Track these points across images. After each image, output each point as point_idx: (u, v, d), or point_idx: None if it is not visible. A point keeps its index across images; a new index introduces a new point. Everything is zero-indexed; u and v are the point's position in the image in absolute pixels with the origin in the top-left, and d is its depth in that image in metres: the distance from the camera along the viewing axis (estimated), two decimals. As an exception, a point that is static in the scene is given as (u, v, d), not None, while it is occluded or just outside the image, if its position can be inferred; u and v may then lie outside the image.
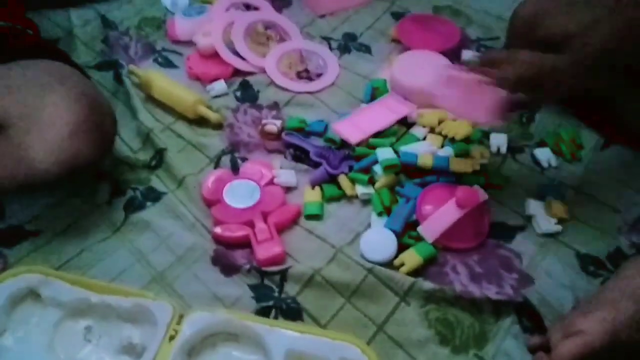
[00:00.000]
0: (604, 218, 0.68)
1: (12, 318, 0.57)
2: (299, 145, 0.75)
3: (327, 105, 0.82)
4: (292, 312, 0.60)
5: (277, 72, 0.86)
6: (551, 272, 0.62)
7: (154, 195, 0.72)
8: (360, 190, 0.69)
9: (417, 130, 0.76)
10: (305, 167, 0.74)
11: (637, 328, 0.51)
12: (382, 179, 0.69)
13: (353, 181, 0.71)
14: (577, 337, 0.50)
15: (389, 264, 0.63)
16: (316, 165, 0.73)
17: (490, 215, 0.68)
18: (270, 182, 0.71)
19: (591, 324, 0.51)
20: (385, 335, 0.58)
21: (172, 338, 0.54)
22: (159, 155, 0.75)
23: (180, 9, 0.96)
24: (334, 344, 0.54)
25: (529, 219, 0.68)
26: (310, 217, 0.68)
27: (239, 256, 0.65)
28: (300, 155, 0.75)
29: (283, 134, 0.76)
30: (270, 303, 0.60)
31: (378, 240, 0.64)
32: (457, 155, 0.72)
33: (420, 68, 0.81)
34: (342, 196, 0.70)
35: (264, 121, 0.78)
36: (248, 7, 0.96)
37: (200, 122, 0.80)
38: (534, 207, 0.68)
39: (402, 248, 0.64)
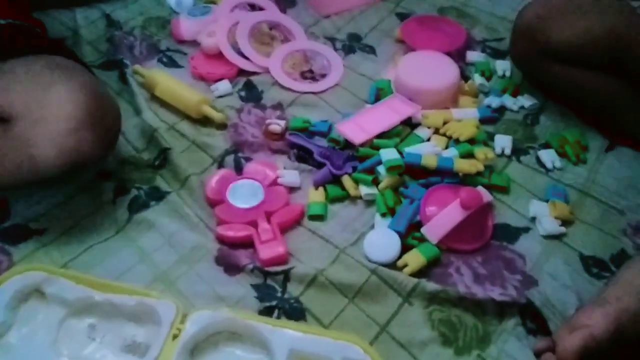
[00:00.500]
0: (608, 220, 0.67)
1: (17, 315, 0.57)
2: (303, 145, 0.75)
3: (331, 106, 0.82)
4: (295, 312, 0.60)
5: (281, 72, 0.87)
6: (555, 273, 0.62)
7: (158, 195, 0.72)
8: (364, 190, 0.69)
9: (421, 131, 0.76)
10: (309, 167, 0.74)
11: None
12: (386, 180, 0.69)
13: (357, 182, 0.71)
14: (581, 331, 0.50)
15: (392, 265, 0.63)
16: (320, 165, 0.73)
17: (494, 217, 0.68)
18: (274, 182, 0.71)
19: (595, 319, 0.51)
20: (389, 336, 0.58)
21: (175, 337, 0.54)
22: (163, 154, 0.76)
23: (185, 8, 0.96)
24: (337, 344, 0.54)
25: (533, 220, 0.68)
26: (313, 217, 0.68)
27: (243, 256, 0.65)
28: (304, 156, 0.75)
29: (287, 134, 0.76)
30: (274, 303, 0.60)
31: (382, 241, 0.64)
32: (461, 156, 0.72)
33: (425, 69, 0.81)
34: (345, 197, 0.70)
35: (267, 121, 0.78)
36: (253, 7, 0.96)
37: (205, 122, 0.80)
38: (538, 208, 0.68)
39: (405, 249, 0.64)
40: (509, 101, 0.81)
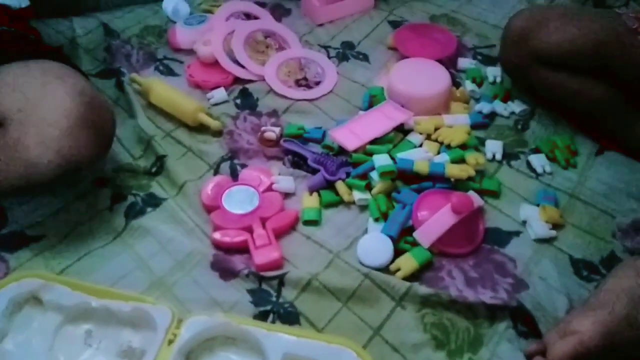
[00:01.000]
0: (597, 223, 0.68)
1: (13, 322, 0.58)
2: (297, 151, 0.76)
3: (325, 113, 0.84)
4: (290, 317, 0.60)
5: (276, 80, 0.88)
6: (545, 277, 0.63)
7: (155, 201, 0.73)
8: (357, 196, 0.70)
9: (413, 137, 0.77)
10: (303, 173, 0.75)
11: (630, 328, 0.51)
12: (378, 185, 0.70)
13: (350, 187, 0.71)
14: (572, 337, 0.51)
15: (385, 269, 0.64)
16: (314, 171, 0.74)
17: (485, 221, 0.69)
18: (269, 188, 0.72)
19: (585, 324, 0.51)
20: (382, 340, 0.59)
21: (171, 342, 0.55)
22: (160, 161, 0.76)
23: (181, 18, 0.98)
24: (331, 348, 0.54)
25: (523, 224, 0.69)
26: (308, 222, 0.69)
27: (238, 261, 0.65)
28: (298, 162, 0.76)
29: (282, 141, 0.77)
30: (268, 307, 0.61)
31: (375, 246, 0.65)
32: (452, 161, 0.73)
33: (417, 76, 0.82)
34: (339, 202, 0.71)
35: (263, 128, 0.79)
36: (248, 16, 0.98)
37: (201, 129, 0.81)
38: (529, 212, 0.69)
39: (398, 253, 0.64)
40: (499, 107, 0.82)
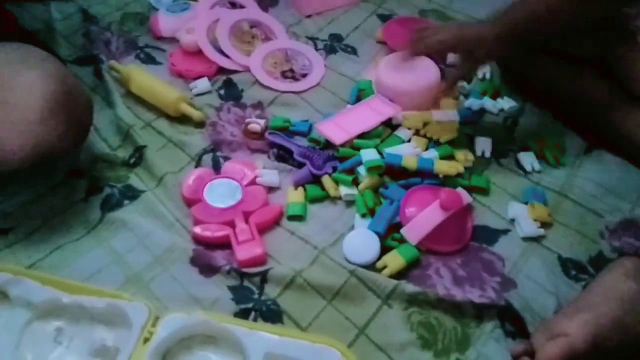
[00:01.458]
0: (586, 222, 0.68)
1: (-22, 319, 0.55)
2: (283, 145, 0.74)
3: (312, 106, 0.82)
4: (272, 315, 0.58)
5: (261, 71, 0.85)
6: (534, 275, 0.62)
7: (132, 194, 0.70)
8: (343, 191, 0.69)
9: (401, 132, 0.76)
10: (288, 167, 0.73)
11: (618, 330, 0.51)
12: (366, 180, 0.68)
13: (337, 182, 0.70)
14: (560, 339, 0.50)
15: (371, 267, 0.62)
16: (300, 165, 0.72)
17: (473, 218, 0.67)
18: (253, 182, 0.70)
19: (574, 326, 0.51)
20: (367, 339, 0.57)
21: (146, 340, 0.52)
22: (139, 152, 0.74)
23: (164, 5, 0.95)
24: (314, 347, 0.53)
25: (512, 222, 0.68)
26: (292, 217, 0.67)
27: (219, 257, 0.63)
28: (283, 155, 0.74)
29: (267, 134, 0.75)
30: (250, 305, 0.59)
31: (361, 242, 0.63)
32: (441, 157, 0.71)
33: (406, 70, 0.80)
34: (325, 197, 0.70)
35: (247, 120, 0.77)
36: (234, 5, 0.95)
37: (182, 119, 0.79)
38: (517, 210, 0.68)
39: (385, 250, 0.63)
40: (488, 104, 0.81)
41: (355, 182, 0.69)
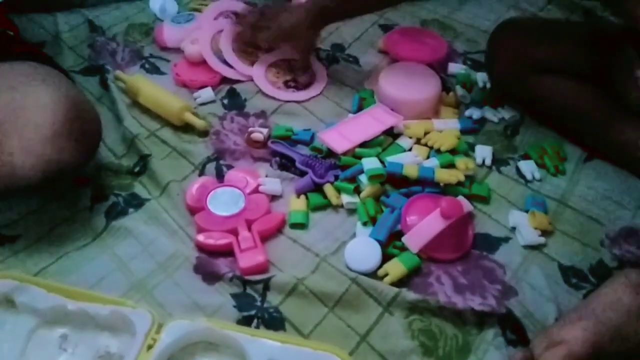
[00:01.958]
0: (586, 231, 0.68)
1: (-16, 325, 0.55)
2: (285, 153, 0.75)
3: (314, 115, 0.82)
4: (275, 322, 0.59)
5: (264, 80, 0.86)
6: (534, 284, 0.62)
7: (137, 202, 0.71)
8: (345, 199, 0.69)
9: (403, 141, 0.77)
10: (291, 175, 0.73)
11: (619, 339, 0.51)
12: (367, 189, 0.69)
13: (339, 190, 0.70)
14: (560, 347, 0.50)
15: (373, 274, 0.63)
16: (302, 174, 0.73)
17: (474, 226, 0.68)
18: (256, 190, 0.71)
19: (573, 334, 0.51)
20: (368, 346, 0.58)
21: (150, 347, 0.53)
22: (143, 161, 0.75)
23: (169, 16, 0.96)
24: (316, 354, 0.53)
25: (512, 230, 0.68)
26: (295, 225, 0.68)
27: (222, 264, 0.64)
28: (286, 164, 0.75)
29: (269, 142, 0.76)
30: (253, 312, 0.59)
31: (362, 250, 0.64)
32: (442, 166, 0.72)
33: (408, 80, 0.81)
34: (327, 205, 0.70)
35: (250, 129, 0.77)
36: (237, 15, 0.96)
37: (186, 129, 0.79)
38: (518, 218, 0.68)
39: (386, 258, 0.63)
40: (489, 113, 0.82)
41: (357, 191, 0.70)
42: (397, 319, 0.59)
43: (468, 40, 0.96)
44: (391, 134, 0.78)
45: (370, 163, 0.70)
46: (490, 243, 0.67)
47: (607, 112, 0.74)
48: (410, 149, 0.76)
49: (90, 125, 0.64)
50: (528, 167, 0.74)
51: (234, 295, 0.61)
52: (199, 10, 0.98)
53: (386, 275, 0.62)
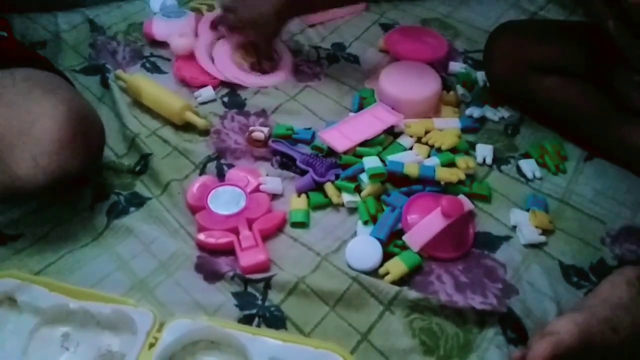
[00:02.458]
0: (587, 229, 0.68)
1: (-14, 324, 0.56)
2: (286, 152, 0.75)
3: (315, 114, 0.83)
4: (276, 321, 0.59)
5: (230, 64, 0.86)
6: (535, 282, 0.63)
7: (138, 201, 0.71)
8: (346, 198, 0.69)
9: (403, 140, 0.77)
10: (291, 174, 0.73)
11: (611, 331, 0.51)
12: (368, 188, 0.69)
13: (339, 189, 0.70)
14: (550, 337, 0.50)
15: (374, 273, 0.63)
16: (303, 172, 0.73)
17: (475, 225, 0.68)
18: (256, 189, 0.71)
19: (564, 324, 0.51)
20: (369, 345, 0.58)
21: (151, 346, 0.53)
22: (144, 160, 0.75)
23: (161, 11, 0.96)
24: (317, 352, 0.53)
25: (513, 229, 0.68)
26: (295, 224, 0.68)
27: (223, 263, 0.64)
28: (287, 163, 0.75)
29: (270, 141, 0.76)
30: (254, 311, 0.60)
31: (363, 249, 0.64)
32: (443, 165, 0.72)
33: (408, 79, 0.81)
34: (328, 204, 0.70)
35: (251, 128, 0.78)
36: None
37: (187, 128, 0.80)
38: (519, 217, 0.68)
39: (387, 257, 0.63)
40: (490, 111, 0.82)
41: (358, 190, 0.70)
42: (398, 317, 0.59)
43: (468, 39, 0.96)
44: (392, 132, 0.78)
45: (371, 162, 0.70)
46: (491, 242, 0.67)
47: (607, 113, 0.74)
48: (411, 148, 0.76)
49: (93, 132, 0.64)
50: (529, 166, 0.74)
51: (235, 294, 0.61)
52: (199, 10, 0.98)
53: (387, 274, 0.62)
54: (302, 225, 0.68)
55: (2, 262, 0.63)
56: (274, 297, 0.61)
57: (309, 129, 0.79)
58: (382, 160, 0.71)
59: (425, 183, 0.70)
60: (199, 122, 0.78)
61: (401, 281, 0.62)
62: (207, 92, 0.84)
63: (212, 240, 0.65)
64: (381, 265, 0.63)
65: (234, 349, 0.55)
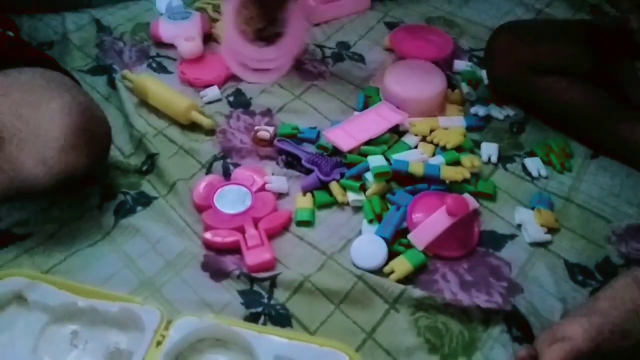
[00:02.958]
0: (593, 228, 0.68)
1: (-3, 322, 0.56)
2: (291, 151, 0.75)
3: (320, 113, 0.83)
4: (281, 319, 0.59)
5: (233, 31, 0.76)
6: (540, 281, 0.63)
7: (145, 200, 0.71)
8: (351, 197, 0.70)
9: (408, 139, 0.77)
10: (297, 173, 0.74)
11: (622, 337, 0.51)
12: (373, 186, 0.69)
13: (344, 188, 0.71)
14: (563, 343, 0.50)
15: (379, 271, 0.63)
16: (308, 171, 0.73)
17: (480, 224, 0.68)
18: (262, 188, 0.71)
19: (577, 330, 0.51)
20: (375, 343, 0.58)
21: (159, 343, 0.53)
22: (151, 160, 0.75)
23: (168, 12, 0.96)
24: (323, 350, 0.53)
25: (518, 227, 0.68)
26: (301, 223, 0.68)
27: (229, 262, 0.64)
28: (292, 162, 0.75)
29: (275, 141, 0.77)
30: (260, 309, 0.60)
31: (368, 248, 0.64)
32: (448, 163, 0.72)
33: (413, 77, 0.81)
34: (333, 203, 0.71)
35: (256, 127, 0.78)
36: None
37: (193, 127, 0.80)
38: (524, 216, 0.68)
39: (392, 255, 0.64)
40: (495, 110, 0.82)
41: (363, 188, 0.70)
42: (403, 316, 0.60)
43: (474, 37, 0.96)
44: (397, 131, 0.78)
45: (376, 161, 0.70)
46: (496, 240, 0.67)
47: (610, 111, 0.74)
48: (416, 147, 0.76)
49: (100, 132, 0.65)
50: (534, 164, 0.74)
51: (241, 293, 0.62)
52: (205, 10, 0.98)
53: (392, 272, 0.62)
54: (308, 224, 0.68)
55: (12, 261, 0.64)
56: (280, 295, 0.61)
57: (314, 128, 0.79)
58: (387, 159, 0.72)
59: (430, 182, 0.70)
60: (205, 121, 0.79)
61: (406, 280, 0.62)
62: (213, 92, 0.85)
63: (218, 239, 0.65)
64: (386, 263, 0.63)
65: (240, 346, 0.55)
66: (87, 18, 0.97)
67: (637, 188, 0.72)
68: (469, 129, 0.79)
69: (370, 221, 0.67)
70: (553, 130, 0.80)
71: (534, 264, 0.64)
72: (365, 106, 0.81)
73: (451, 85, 0.85)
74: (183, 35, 0.89)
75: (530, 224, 0.67)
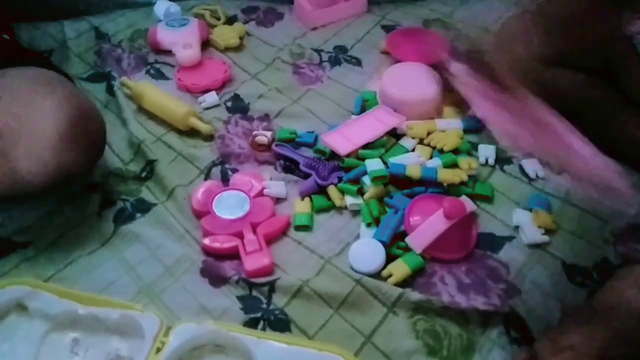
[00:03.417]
0: (590, 228, 0.68)
1: (-2, 330, 0.57)
2: (289, 156, 0.76)
3: (317, 117, 0.83)
4: (280, 324, 0.60)
5: None
6: (538, 282, 0.63)
7: (144, 207, 0.72)
8: (349, 201, 0.70)
9: (406, 142, 0.77)
10: (295, 178, 0.74)
11: (625, 344, 0.50)
12: (371, 190, 0.70)
13: (342, 192, 0.71)
14: (567, 353, 0.50)
15: (377, 275, 0.63)
16: (306, 176, 0.73)
17: (478, 226, 0.68)
18: (260, 193, 0.71)
19: (580, 339, 0.50)
20: (373, 347, 0.58)
21: (159, 350, 0.54)
22: (150, 166, 0.76)
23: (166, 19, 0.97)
24: (321, 355, 0.54)
25: (516, 229, 0.68)
26: (299, 228, 0.69)
27: (228, 267, 0.65)
28: (290, 167, 0.76)
29: (273, 146, 0.77)
30: (259, 314, 0.60)
31: (366, 251, 0.64)
32: (445, 166, 0.72)
33: (410, 80, 0.82)
34: (331, 207, 0.71)
35: (254, 132, 0.78)
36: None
37: (192, 133, 0.81)
38: (521, 217, 0.68)
39: (390, 259, 0.64)
40: (492, 111, 0.82)
41: (361, 192, 0.71)
42: (401, 319, 0.60)
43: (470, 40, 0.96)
44: (394, 134, 0.78)
45: (373, 164, 0.71)
46: (494, 242, 0.67)
47: (613, 105, 0.73)
48: (413, 150, 0.76)
49: (94, 129, 0.64)
50: (531, 166, 0.74)
51: (240, 298, 0.62)
52: (202, 16, 0.99)
53: (390, 276, 0.62)
54: (306, 228, 0.69)
55: (12, 270, 0.64)
56: (279, 300, 0.62)
57: (312, 132, 0.79)
58: (385, 163, 0.72)
59: (428, 184, 0.70)
60: (203, 127, 0.79)
61: (404, 283, 0.62)
62: (211, 98, 0.85)
63: (217, 245, 0.66)
64: (384, 267, 0.63)
65: (240, 352, 0.55)
66: (86, 25, 0.98)
67: (636, 188, 0.72)
68: (466, 131, 0.79)
69: (368, 225, 0.67)
70: (550, 131, 0.80)
71: (532, 266, 0.64)
72: (363, 110, 0.82)
73: (448, 87, 0.85)
74: (181, 42, 0.89)
75: (528, 225, 0.67)
